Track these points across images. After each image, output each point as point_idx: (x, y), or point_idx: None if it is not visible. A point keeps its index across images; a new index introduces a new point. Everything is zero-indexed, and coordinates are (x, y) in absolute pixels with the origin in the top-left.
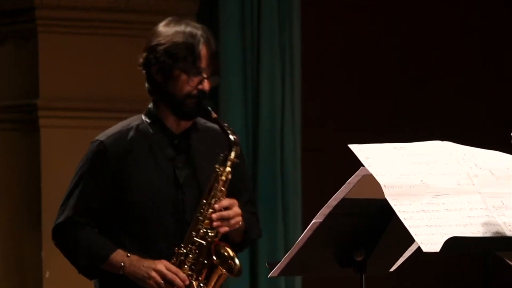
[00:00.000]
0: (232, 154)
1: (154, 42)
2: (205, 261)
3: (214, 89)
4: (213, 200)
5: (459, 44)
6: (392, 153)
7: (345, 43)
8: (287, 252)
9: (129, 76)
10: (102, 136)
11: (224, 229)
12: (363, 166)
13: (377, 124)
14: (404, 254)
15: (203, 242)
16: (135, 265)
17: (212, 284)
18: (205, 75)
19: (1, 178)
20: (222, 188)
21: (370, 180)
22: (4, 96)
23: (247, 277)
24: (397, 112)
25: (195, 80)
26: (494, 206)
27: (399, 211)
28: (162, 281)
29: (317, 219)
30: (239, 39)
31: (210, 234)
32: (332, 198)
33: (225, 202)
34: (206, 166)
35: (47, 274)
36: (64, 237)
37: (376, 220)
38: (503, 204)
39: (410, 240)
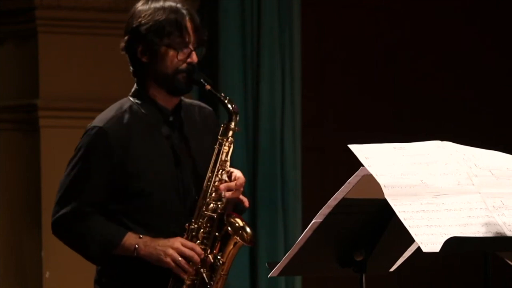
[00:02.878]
0: (233, 123)
1: (135, 23)
2: (216, 233)
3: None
4: (219, 171)
5: (459, 44)
6: (392, 153)
7: (345, 43)
8: (287, 252)
9: (129, 76)
10: (98, 122)
11: (234, 194)
12: (363, 166)
13: (377, 124)
14: (404, 254)
15: (213, 215)
16: (150, 245)
17: (227, 254)
18: (191, 48)
19: (1, 178)
20: (226, 159)
21: (370, 180)
22: (4, 96)
23: (247, 277)
24: (397, 112)
25: (183, 54)
26: (494, 206)
27: (399, 211)
28: (180, 258)
29: (317, 219)
30: (239, 39)
31: (220, 206)
32: (332, 198)
33: (237, 173)
34: (198, 139)
35: (47, 274)
36: (72, 228)
37: (376, 220)
38: (503, 204)
39: (410, 240)
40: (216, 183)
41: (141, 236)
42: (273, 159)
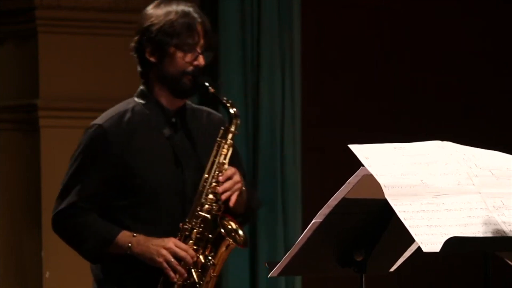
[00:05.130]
0: (233, 127)
1: (147, 24)
2: (210, 234)
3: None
4: (216, 173)
5: (459, 44)
6: (392, 153)
7: (345, 43)
8: (287, 252)
9: (129, 76)
10: (99, 120)
11: (232, 197)
12: (363, 166)
13: (377, 124)
14: (404, 254)
15: (208, 216)
16: (143, 244)
17: (219, 255)
18: (199, 50)
19: (1, 178)
20: (224, 161)
21: (370, 180)
22: (4, 96)
23: (247, 277)
24: (397, 112)
25: (190, 56)
26: (494, 206)
27: (399, 211)
28: (173, 259)
29: (317, 219)
30: (239, 39)
31: (214, 207)
32: (332, 198)
33: (228, 172)
34: (203, 143)
35: (47, 274)
36: (69, 223)
37: (376, 220)
38: (503, 204)
39: (410, 240)
40: (213, 185)
41: (135, 234)
42: (273, 159)
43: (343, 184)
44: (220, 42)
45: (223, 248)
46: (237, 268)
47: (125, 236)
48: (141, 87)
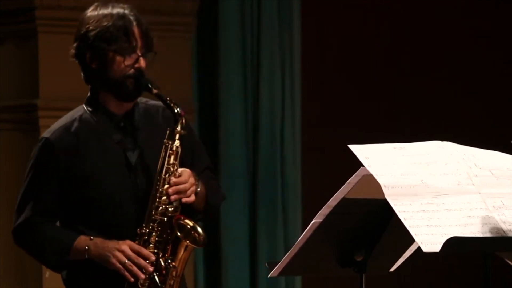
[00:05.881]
0: (179, 126)
1: (84, 30)
2: (169, 237)
3: (214, 90)
4: (167, 175)
5: (459, 44)
6: (392, 153)
7: (345, 43)
8: (287, 252)
9: None
10: (46, 133)
11: (185, 199)
12: (363, 166)
13: (377, 124)
14: (404, 254)
15: (164, 218)
16: (100, 246)
17: (179, 257)
18: (139, 53)
19: (1, 178)
20: (174, 162)
21: (370, 180)
22: (4, 96)
23: (247, 277)
24: (397, 112)
25: (130, 59)
26: (494, 206)
27: (399, 211)
28: (126, 260)
29: (317, 219)
30: (239, 39)
31: (169, 209)
32: (332, 198)
33: (179, 175)
34: (155, 144)
35: (47, 274)
36: (27, 237)
37: (376, 220)
38: (503, 204)
39: (410, 240)
40: (165, 187)
41: (91, 238)
42: (273, 159)
43: (343, 184)
44: (220, 42)
45: (182, 250)
46: (237, 268)
47: (82, 241)
48: (89, 94)
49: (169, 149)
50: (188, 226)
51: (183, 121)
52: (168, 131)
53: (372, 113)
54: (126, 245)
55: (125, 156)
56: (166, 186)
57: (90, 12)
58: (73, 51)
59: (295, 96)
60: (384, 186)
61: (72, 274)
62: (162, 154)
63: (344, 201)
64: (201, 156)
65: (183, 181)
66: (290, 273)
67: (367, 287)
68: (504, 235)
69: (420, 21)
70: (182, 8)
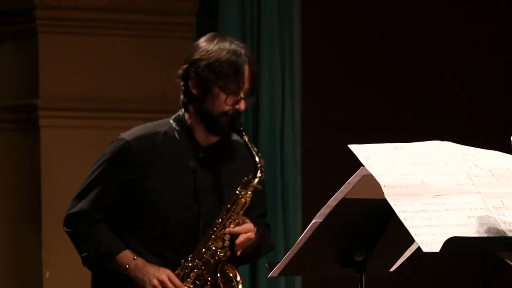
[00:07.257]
0: (256, 180)
1: (197, 56)
2: (209, 278)
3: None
4: (229, 221)
5: (459, 44)
6: (392, 153)
7: (345, 43)
8: (287, 252)
9: (129, 76)
10: (128, 135)
11: (239, 252)
12: (363, 166)
13: (377, 124)
14: (404, 254)
15: (211, 260)
16: (140, 269)
17: None
18: (242, 95)
19: (1, 178)
20: (240, 211)
21: (370, 180)
22: (4, 96)
23: (247, 277)
24: (397, 112)
25: (233, 99)
26: (494, 206)
27: (399, 211)
28: None
29: (317, 219)
30: (239, 39)
31: (219, 253)
32: (332, 198)
33: (245, 226)
34: (228, 183)
35: (47, 274)
36: (78, 229)
37: (376, 220)
38: (503, 204)
39: (410, 240)
40: (222, 231)
41: (135, 257)
42: (273, 159)
43: (343, 184)
44: None
45: None
46: None
47: (125, 257)
48: (181, 112)
49: (239, 198)
50: (230, 274)
51: (262, 172)
52: (244, 180)
53: (372, 113)
54: (165, 275)
55: (195, 186)
56: (223, 230)
57: (206, 42)
58: (180, 72)
59: (295, 96)
60: (384, 186)
61: (102, 276)
62: (231, 200)
63: (344, 201)
64: (261, 202)
65: (245, 239)
66: (290, 273)
67: (367, 287)
68: (504, 235)
69: (420, 21)
70: (182, 8)
